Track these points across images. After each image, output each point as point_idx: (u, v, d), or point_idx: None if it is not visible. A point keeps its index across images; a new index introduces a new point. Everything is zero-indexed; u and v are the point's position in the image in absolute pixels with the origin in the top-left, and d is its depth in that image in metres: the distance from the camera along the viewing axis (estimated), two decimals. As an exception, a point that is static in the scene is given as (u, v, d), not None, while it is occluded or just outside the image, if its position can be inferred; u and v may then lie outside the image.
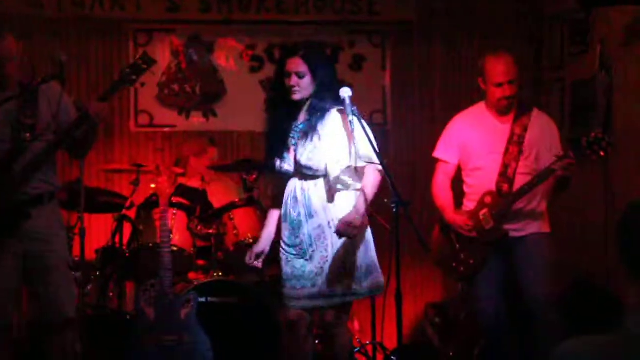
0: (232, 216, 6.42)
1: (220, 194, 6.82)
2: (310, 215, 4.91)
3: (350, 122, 4.76)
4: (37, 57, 7.17)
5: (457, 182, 5.78)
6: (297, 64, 4.87)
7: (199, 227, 6.42)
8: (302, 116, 4.99)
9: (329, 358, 5.32)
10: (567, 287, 6.18)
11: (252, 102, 7.44)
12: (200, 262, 6.60)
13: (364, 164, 4.87)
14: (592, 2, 6.41)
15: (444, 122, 5.83)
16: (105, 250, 6.53)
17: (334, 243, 4.90)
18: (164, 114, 7.79)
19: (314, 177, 4.94)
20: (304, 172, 4.92)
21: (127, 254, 6.47)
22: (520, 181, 5.42)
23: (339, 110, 4.91)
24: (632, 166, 6.19)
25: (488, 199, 5.49)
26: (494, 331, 5.67)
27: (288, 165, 4.92)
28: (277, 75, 5.03)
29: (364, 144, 4.76)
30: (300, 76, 4.87)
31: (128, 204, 6.63)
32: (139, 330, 5.96)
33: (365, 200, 4.84)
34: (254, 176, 6.53)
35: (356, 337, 7.01)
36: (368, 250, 5.00)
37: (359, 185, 4.92)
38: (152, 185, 6.31)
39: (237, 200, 6.56)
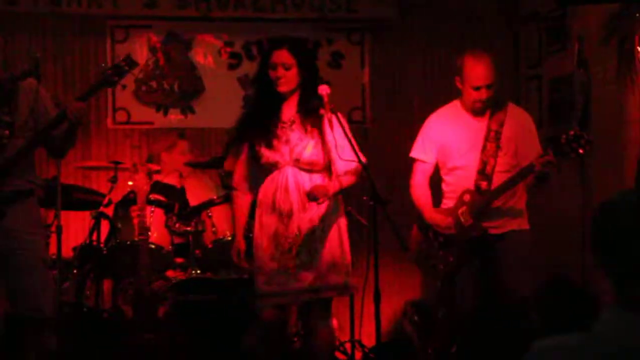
0: (210, 213, 6.41)
1: (197, 191, 6.80)
2: (304, 208, 4.92)
3: (328, 120, 4.78)
4: (13, 54, 7.12)
5: (435, 181, 5.77)
6: (284, 56, 4.94)
7: (177, 225, 6.40)
8: (289, 109, 5.01)
9: (310, 355, 5.32)
10: (542, 286, 6.19)
11: (231, 99, 7.45)
12: (179, 260, 6.58)
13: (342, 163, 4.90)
14: (568, 0, 6.42)
15: (423, 120, 5.82)
16: (82, 247, 6.50)
17: (323, 237, 4.93)
18: (141, 111, 7.75)
19: (310, 170, 4.96)
20: (301, 166, 4.93)
21: (104, 252, 6.44)
22: (498, 178, 5.43)
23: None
24: (609, 164, 6.20)
25: (467, 197, 5.50)
26: (472, 329, 5.68)
27: (279, 157, 4.92)
28: (261, 67, 5.05)
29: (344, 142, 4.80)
30: (287, 68, 4.92)
31: (105, 201, 6.60)
32: (116, 328, 5.95)
33: (340, 185, 4.91)
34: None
35: (335, 334, 7.01)
36: (348, 247, 5.03)
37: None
38: (130, 183, 6.30)
39: (215, 197, 6.54)
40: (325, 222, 5.00)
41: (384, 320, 6.06)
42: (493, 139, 5.49)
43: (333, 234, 5.01)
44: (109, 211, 6.65)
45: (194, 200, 6.68)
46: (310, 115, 4.98)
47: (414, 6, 8.00)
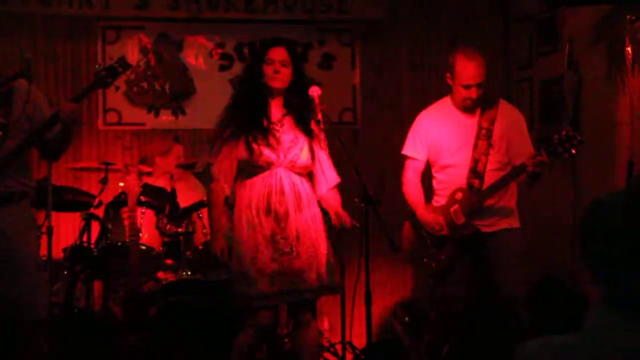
0: (200, 215, 6.40)
1: (187, 192, 6.80)
2: (299, 209, 4.94)
3: (317, 121, 4.80)
4: (4, 55, 7.11)
5: (427, 178, 5.78)
6: (282, 53, 4.99)
7: (167, 226, 6.39)
8: (276, 109, 5.03)
9: (298, 355, 5.33)
10: (533, 285, 6.21)
11: (222, 101, 7.39)
12: (169, 261, 6.57)
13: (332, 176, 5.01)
14: (558, 1, 6.43)
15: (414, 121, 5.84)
16: (73, 249, 6.49)
17: (316, 238, 4.96)
18: (132, 112, 7.74)
19: (301, 173, 4.98)
20: (295, 169, 4.95)
21: (95, 253, 6.43)
22: (490, 176, 5.44)
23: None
24: (599, 164, 6.22)
25: (459, 195, 5.50)
26: (463, 329, 5.69)
27: (275, 157, 4.93)
28: (255, 62, 5.05)
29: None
30: (284, 65, 4.96)
31: (96, 202, 6.60)
32: (106, 329, 5.94)
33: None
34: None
35: (325, 336, 7.02)
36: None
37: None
38: (121, 184, 6.28)
39: (205, 198, 6.53)
40: (317, 223, 5.02)
41: (375, 321, 6.07)
42: (484, 136, 5.50)
43: (323, 235, 5.03)
44: (100, 212, 6.63)
45: (184, 201, 6.67)
46: (301, 118, 5.01)
47: (405, 7, 8.01)
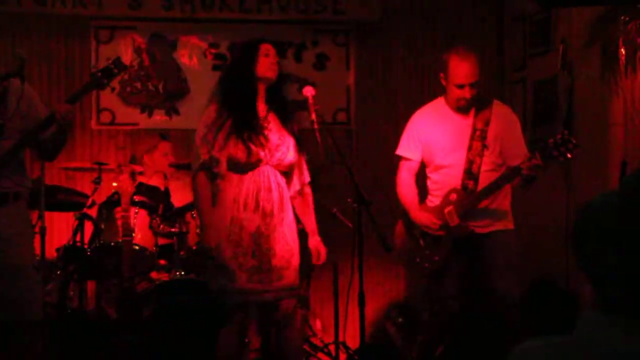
0: (194, 215, 6.40)
1: (181, 192, 6.79)
2: (282, 209, 4.97)
3: (311, 121, 4.81)
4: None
5: (420, 178, 5.78)
6: (271, 49, 5.03)
7: (161, 226, 6.40)
8: (261, 106, 5.05)
9: (279, 353, 5.35)
10: (527, 287, 6.21)
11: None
12: (162, 261, 6.58)
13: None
14: (551, 2, 6.44)
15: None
16: (66, 249, 6.48)
17: (294, 238, 4.99)
18: (126, 112, 7.73)
19: (284, 172, 5.01)
20: (280, 167, 4.97)
21: (88, 253, 6.42)
22: (485, 177, 5.45)
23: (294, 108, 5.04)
24: (593, 166, 6.22)
25: (453, 196, 5.50)
26: (456, 329, 5.69)
27: (263, 155, 4.95)
28: (249, 55, 5.05)
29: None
30: (275, 58, 5.01)
31: (89, 202, 6.59)
32: (100, 329, 5.94)
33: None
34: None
35: (319, 336, 7.02)
36: None
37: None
38: (114, 184, 6.29)
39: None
40: (292, 225, 5.07)
41: (368, 322, 6.07)
42: (479, 137, 5.50)
43: (296, 236, 5.08)
44: (93, 212, 6.63)
45: (178, 201, 6.67)
46: (286, 116, 5.04)
47: (399, 8, 8.01)
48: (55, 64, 7.61)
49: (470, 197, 5.44)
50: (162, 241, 6.51)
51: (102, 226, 6.50)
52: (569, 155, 5.07)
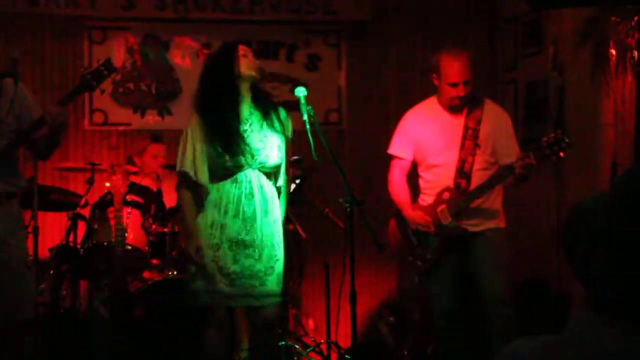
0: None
1: (173, 192, 6.80)
2: (265, 212, 4.96)
3: (304, 121, 4.81)
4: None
5: (412, 177, 5.79)
6: (249, 50, 5.07)
7: (153, 226, 6.41)
8: (244, 107, 5.05)
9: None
10: (517, 286, 6.23)
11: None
12: (155, 261, 6.58)
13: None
14: (542, 3, 6.46)
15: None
16: (59, 248, 6.49)
17: (279, 242, 5.00)
18: (118, 112, 7.74)
19: (269, 174, 5.00)
20: (264, 169, 4.97)
21: (81, 253, 6.43)
22: (477, 176, 5.46)
23: (287, 107, 5.05)
24: (584, 166, 6.25)
25: (446, 195, 5.51)
26: (447, 328, 5.70)
27: (244, 161, 4.94)
28: (225, 59, 5.04)
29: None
30: (254, 58, 5.03)
31: (82, 202, 6.60)
32: (92, 329, 5.94)
33: None
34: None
35: (311, 335, 7.03)
36: None
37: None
38: (107, 184, 6.29)
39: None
40: (279, 227, 5.07)
41: (360, 322, 6.09)
42: (471, 136, 5.52)
43: (282, 240, 5.09)
44: (86, 212, 6.64)
45: (170, 201, 6.68)
46: (268, 115, 5.04)
47: (391, 8, 8.03)
48: (48, 64, 7.61)
49: (463, 196, 5.46)
50: (154, 241, 6.52)
51: (95, 226, 6.51)
52: (561, 154, 5.09)
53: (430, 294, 5.77)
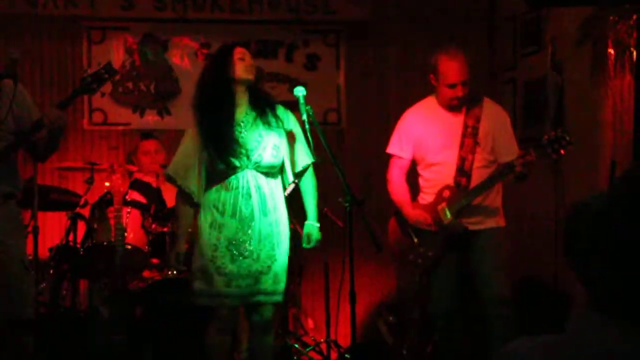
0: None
1: (172, 192, 6.81)
2: (264, 213, 4.98)
3: (303, 121, 4.83)
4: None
5: (411, 176, 5.80)
6: (246, 53, 5.07)
7: (153, 226, 6.41)
8: (240, 109, 5.06)
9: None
10: (515, 285, 6.23)
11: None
12: (155, 260, 6.59)
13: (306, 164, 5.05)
14: (541, 2, 6.46)
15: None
16: (59, 248, 6.50)
17: (279, 242, 5.00)
18: (118, 112, 7.74)
19: (267, 173, 5.01)
20: (260, 169, 4.98)
21: (81, 253, 6.44)
22: (477, 173, 5.47)
23: (285, 108, 5.06)
24: (582, 165, 6.25)
25: (446, 193, 5.52)
26: (447, 328, 5.71)
27: (238, 161, 4.95)
28: (221, 63, 5.06)
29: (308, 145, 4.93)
30: (251, 60, 5.03)
31: (82, 202, 6.61)
32: (92, 328, 5.95)
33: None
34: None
35: (310, 335, 7.04)
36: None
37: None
38: (107, 184, 6.30)
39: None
40: (280, 227, 5.07)
41: (360, 321, 6.09)
42: (470, 134, 5.52)
43: (285, 239, 5.11)
44: (86, 212, 6.65)
45: (171, 201, 6.69)
46: (265, 115, 5.05)
47: (390, 8, 8.02)
48: (47, 65, 7.61)
49: (463, 194, 5.46)
50: (154, 240, 6.53)
51: (95, 226, 6.52)
52: (562, 152, 5.10)
53: (430, 293, 5.77)
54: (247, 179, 4.96)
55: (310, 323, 7.32)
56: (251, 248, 4.95)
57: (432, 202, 5.58)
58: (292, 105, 5.15)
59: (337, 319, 6.41)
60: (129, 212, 6.41)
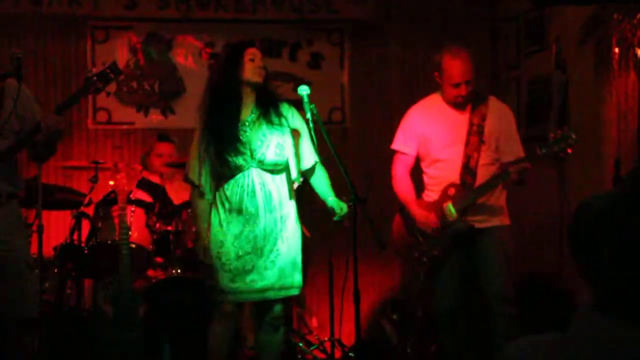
0: (191, 213, 6.42)
1: (178, 191, 6.81)
2: (269, 210, 5.00)
3: (308, 120, 4.84)
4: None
5: (415, 172, 5.80)
6: (257, 53, 5.05)
7: (157, 225, 6.42)
8: (246, 108, 5.07)
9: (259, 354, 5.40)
10: (518, 283, 6.23)
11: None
12: (159, 259, 6.60)
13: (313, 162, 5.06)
14: (544, 1, 6.46)
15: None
16: (63, 247, 6.51)
17: (285, 238, 5.01)
18: (122, 111, 7.74)
19: (273, 171, 5.02)
20: (264, 167, 4.99)
21: (85, 251, 6.45)
22: (483, 171, 5.47)
23: (290, 105, 5.08)
24: (587, 163, 6.25)
25: (451, 191, 5.52)
26: (451, 326, 5.70)
27: (243, 160, 4.97)
28: (232, 65, 5.07)
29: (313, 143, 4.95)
30: (261, 61, 5.02)
31: (86, 201, 6.61)
32: (96, 327, 5.96)
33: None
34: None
35: (315, 333, 7.05)
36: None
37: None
38: (111, 183, 6.30)
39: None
40: (287, 223, 5.08)
41: (364, 319, 6.10)
42: (476, 132, 5.52)
43: (293, 235, 5.10)
44: (90, 211, 6.65)
45: (176, 198, 6.71)
46: (269, 114, 5.06)
47: (394, 7, 8.02)
48: (50, 64, 7.61)
49: (468, 192, 5.46)
50: (158, 239, 6.54)
51: (99, 225, 6.52)
52: (569, 150, 5.10)
53: (434, 291, 5.77)
54: (252, 177, 4.99)
55: (314, 322, 7.33)
56: (255, 245, 4.97)
57: (437, 200, 5.57)
58: (297, 104, 5.17)
59: (341, 318, 6.42)
60: (133, 211, 6.41)
